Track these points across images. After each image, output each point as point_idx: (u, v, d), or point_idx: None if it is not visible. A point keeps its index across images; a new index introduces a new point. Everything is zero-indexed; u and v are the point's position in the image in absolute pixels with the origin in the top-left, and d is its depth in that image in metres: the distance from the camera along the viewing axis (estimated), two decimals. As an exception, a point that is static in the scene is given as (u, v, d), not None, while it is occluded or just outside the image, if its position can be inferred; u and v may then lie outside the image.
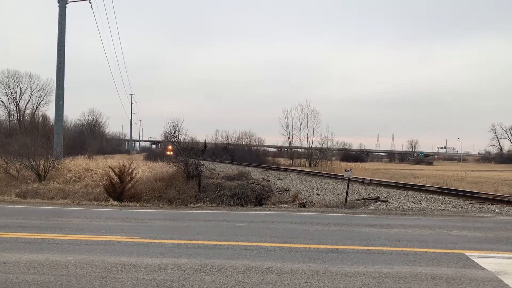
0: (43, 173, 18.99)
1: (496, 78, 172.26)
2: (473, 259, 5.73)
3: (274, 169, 35.09)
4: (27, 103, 61.45)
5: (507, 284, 4.65)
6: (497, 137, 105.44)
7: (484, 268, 5.26)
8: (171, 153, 24.95)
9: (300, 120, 58.77)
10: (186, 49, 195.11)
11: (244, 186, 17.47)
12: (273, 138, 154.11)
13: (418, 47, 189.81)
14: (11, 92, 60.22)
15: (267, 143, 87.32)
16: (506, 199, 13.67)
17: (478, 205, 12.61)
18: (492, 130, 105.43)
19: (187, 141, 23.59)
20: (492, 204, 12.72)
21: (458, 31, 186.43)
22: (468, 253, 6.07)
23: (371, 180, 21.53)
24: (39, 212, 10.64)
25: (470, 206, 12.40)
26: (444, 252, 6.13)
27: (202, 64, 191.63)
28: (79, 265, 5.24)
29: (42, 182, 18.42)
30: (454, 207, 12.30)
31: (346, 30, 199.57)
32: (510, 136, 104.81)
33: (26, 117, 60.22)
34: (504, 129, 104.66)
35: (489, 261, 5.60)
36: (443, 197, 14.62)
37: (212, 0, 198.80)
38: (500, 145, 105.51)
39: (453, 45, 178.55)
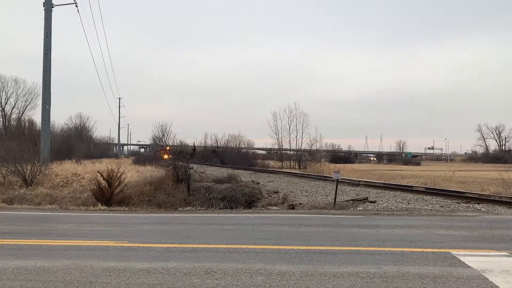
0: (30, 178, 18.76)
1: (481, 79, 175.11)
2: (459, 257, 5.81)
3: (264, 172, 35.13)
4: (13, 107, 60.40)
5: (492, 282, 4.73)
6: (483, 137, 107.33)
7: (470, 267, 5.34)
8: (169, 156, 23.74)
9: (289, 122, 59.26)
10: (172, 53, 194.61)
11: (233, 189, 17.48)
12: (262, 140, 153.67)
13: (403, 49, 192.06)
14: (-4, 97, 59.22)
15: (256, 146, 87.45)
16: (492, 198, 13.90)
17: (465, 205, 12.80)
18: (478, 130, 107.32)
19: (176, 144, 23.51)
20: (478, 204, 12.92)
21: (442, 33, 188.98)
22: (454, 252, 6.16)
23: (359, 181, 21.69)
24: (26, 217, 10.51)
25: (457, 206, 12.58)
26: (431, 252, 6.21)
27: (189, 68, 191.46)
28: (67, 270, 5.19)
29: (29, 187, 18.20)
30: (441, 206, 12.46)
31: (331, 32, 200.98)
32: (496, 136, 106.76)
33: (12, 122, 59.21)
34: (490, 129, 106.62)
35: (475, 260, 5.68)
36: (431, 197, 14.80)
37: (195, 3, 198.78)
38: (486, 145, 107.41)
39: (438, 47, 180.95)
